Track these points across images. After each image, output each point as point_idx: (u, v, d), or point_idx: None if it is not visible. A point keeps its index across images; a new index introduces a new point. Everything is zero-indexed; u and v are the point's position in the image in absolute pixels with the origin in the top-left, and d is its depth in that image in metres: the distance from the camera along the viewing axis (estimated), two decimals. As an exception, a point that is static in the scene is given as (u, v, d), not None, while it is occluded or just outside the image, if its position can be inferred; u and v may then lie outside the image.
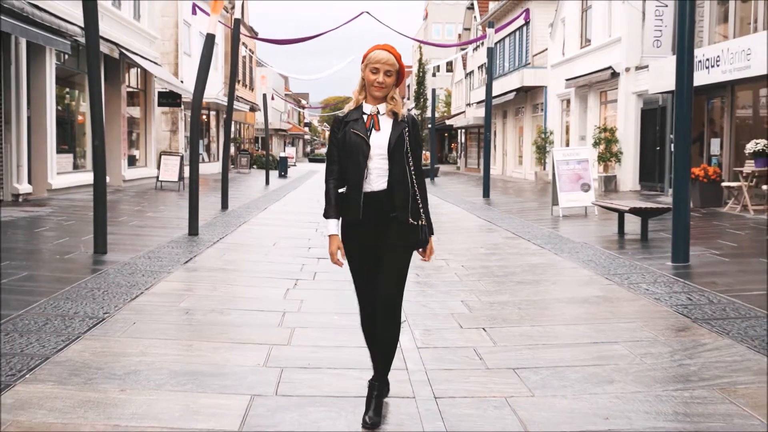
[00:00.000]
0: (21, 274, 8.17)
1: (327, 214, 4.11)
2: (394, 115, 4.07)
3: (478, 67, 45.96)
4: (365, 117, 4.08)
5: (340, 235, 4.11)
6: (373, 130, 4.04)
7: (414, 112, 57.27)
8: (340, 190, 4.11)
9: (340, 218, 4.12)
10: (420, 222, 4.09)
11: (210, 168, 33.34)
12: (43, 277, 8.29)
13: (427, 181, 32.97)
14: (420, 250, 4.20)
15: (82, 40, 13.65)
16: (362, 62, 4.10)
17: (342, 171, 4.10)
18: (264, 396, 4.51)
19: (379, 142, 4.02)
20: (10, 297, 6.94)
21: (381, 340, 4.18)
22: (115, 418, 4.14)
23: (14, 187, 16.54)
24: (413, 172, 4.08)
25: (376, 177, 4.02)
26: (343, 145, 4.07)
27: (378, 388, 4.12)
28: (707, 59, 17.26)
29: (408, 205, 4.03)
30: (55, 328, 5.88)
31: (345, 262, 4.10)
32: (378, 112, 4.09)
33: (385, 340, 4.16)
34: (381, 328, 4.14)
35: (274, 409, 4.32)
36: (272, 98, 52.08)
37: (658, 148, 21.57)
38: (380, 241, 4.09)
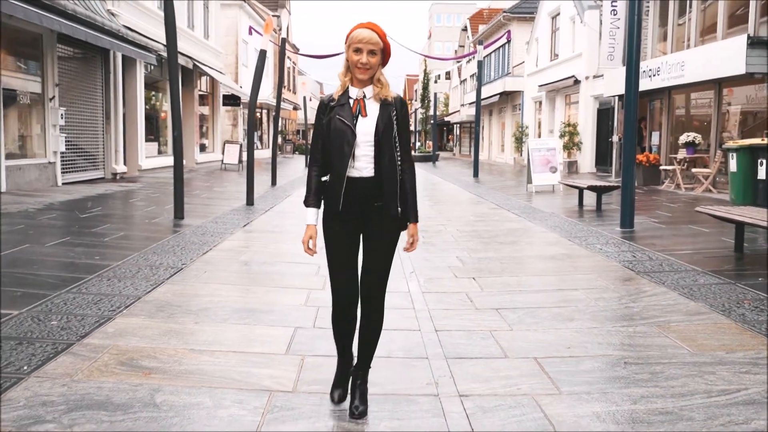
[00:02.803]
0: (119, 234, 8.23)
1: (307, 202, 3.14)
2: (382, 99, 3.08)
3: (470, 76, 45.58)
4: (351, 102, 3.06)
5: (317, 225, 3.16)
6: (360, 117, 3.04)
7: (420, 110, 56.65)
8: (324, 179, 3.15)
9: (321, 207, 3.18)
10: (400, 209, 3.10)
11: (262, 153, 33.35)
12: (135, 236, 8.34)
13: (429, 164, 33.02)
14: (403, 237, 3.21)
15: (165, 54, 13.65)
16: (345, 42, 3.06)
17: (326, 158, 3.10)
18: (304, 328, 4.53)
19: (366, 128, 3.03)
20: (113, 251, 7.01)
21: (367, 329, 3.23)
22: (191, 343, 4.17)
23: (113, 167, 16.69)
24: (400, 158, 3.09)
25: (365, 164, 3.04)
26: (327, 131, 3.07)
27: (362, 377, 3.24)
28: (650, 69, 17.04)
29: (396, 194, 3.06)
30: (145, 275, 5.94)
31: (317, 251, 3.18)
32: (365, 96, 3.07)
33: (371, 328, 3.24)
34: (366, 318, 3.21)
35: (312, 337, 4.34)
36: (310, 99, 51.70)
37: (609, 140, 21.39)
38: (365, 229, 3.14)
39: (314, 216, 3.14)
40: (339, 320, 3.26)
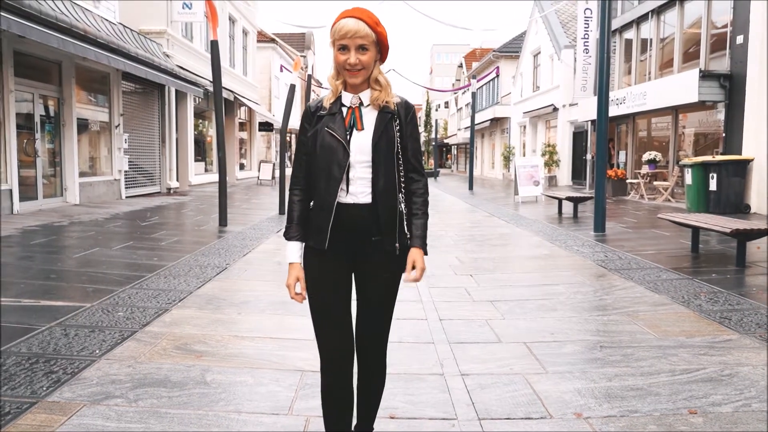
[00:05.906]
0: (173, 239, 8.26)
1: (288, 235, 2.12)
2: (382, 105, 2.03)
3: (465, 105, 45.47)
4: (345, 110, 2.04)
5: (302, 263, 2.13)
6: (355, 130, 2.01)
7: (423, 134, 56.47)
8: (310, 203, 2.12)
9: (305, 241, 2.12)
10: (399, 245, 2.05)
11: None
12: (187, 241, 8.37)
13: (431, 179, 32.88)
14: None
15: (211, 88, 13.74)
16: (330, 38, 2.00)
17: (310, 180, 2.08)
18: (329, 317, 4.51)
19: (363, 145, 2.01)
20: (168, 253, 7.03)
21: (365, 391, 2.24)
22: (234, 330, 4.17)
23: (168, 183, 16.78)
24: (404, 178, 2.07)
25: (362, 188, 2.01)
26: (313, 147, 2.04)
27: None
28: (617, 98, 16.94)
29: (395, 225, 2.04)
30: (195, 273, 5.95)
31: (307, 297, 2.16)
32: (361, 104, 2.04)
33: (371, 391, 2.24)
34: (364, 380, 2.22)
35: (336, 326, 4.33)
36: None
37: (584, 158, 21.28)
38: (358, 268, 2.10)
39: (298, 252, 2.12)
40: (332, 388, 2.14)
